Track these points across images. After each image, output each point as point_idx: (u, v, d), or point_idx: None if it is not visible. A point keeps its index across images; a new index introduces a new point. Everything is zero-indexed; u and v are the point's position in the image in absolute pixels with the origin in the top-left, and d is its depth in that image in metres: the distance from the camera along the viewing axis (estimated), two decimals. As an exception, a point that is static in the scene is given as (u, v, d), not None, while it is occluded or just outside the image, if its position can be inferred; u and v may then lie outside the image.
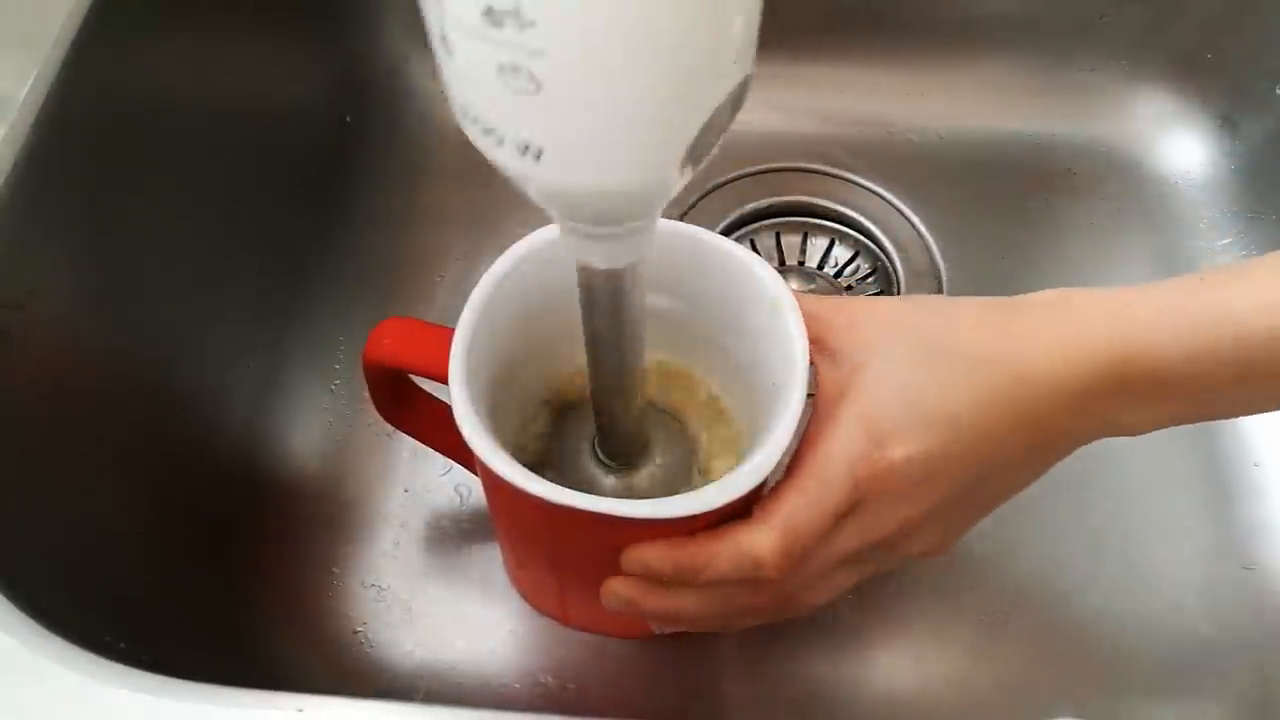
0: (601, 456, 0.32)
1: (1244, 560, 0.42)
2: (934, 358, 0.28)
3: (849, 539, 0.28)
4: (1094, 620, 0.40)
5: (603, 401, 0.29)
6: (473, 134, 0.18)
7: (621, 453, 0.31)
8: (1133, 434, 0.30)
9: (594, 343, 0.26)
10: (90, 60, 0.36)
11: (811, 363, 0.29)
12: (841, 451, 0.27)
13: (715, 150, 0.19)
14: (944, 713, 0.38)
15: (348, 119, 0.51)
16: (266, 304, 0.45)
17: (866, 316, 0.29)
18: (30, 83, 0.34)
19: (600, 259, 0.22)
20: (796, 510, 0.27)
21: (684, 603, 0.29)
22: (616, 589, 0.29)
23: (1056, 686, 0.39)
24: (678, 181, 0.18)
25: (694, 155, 0.18)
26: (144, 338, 0.38)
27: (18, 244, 0.33)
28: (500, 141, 0.17)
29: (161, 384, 0.39)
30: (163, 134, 0.39)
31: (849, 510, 0.28)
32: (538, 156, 0.17)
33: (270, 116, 0.47)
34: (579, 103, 0.16)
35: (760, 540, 0.27)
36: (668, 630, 0.32)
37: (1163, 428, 0.30)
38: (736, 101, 0.18)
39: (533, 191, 0.19)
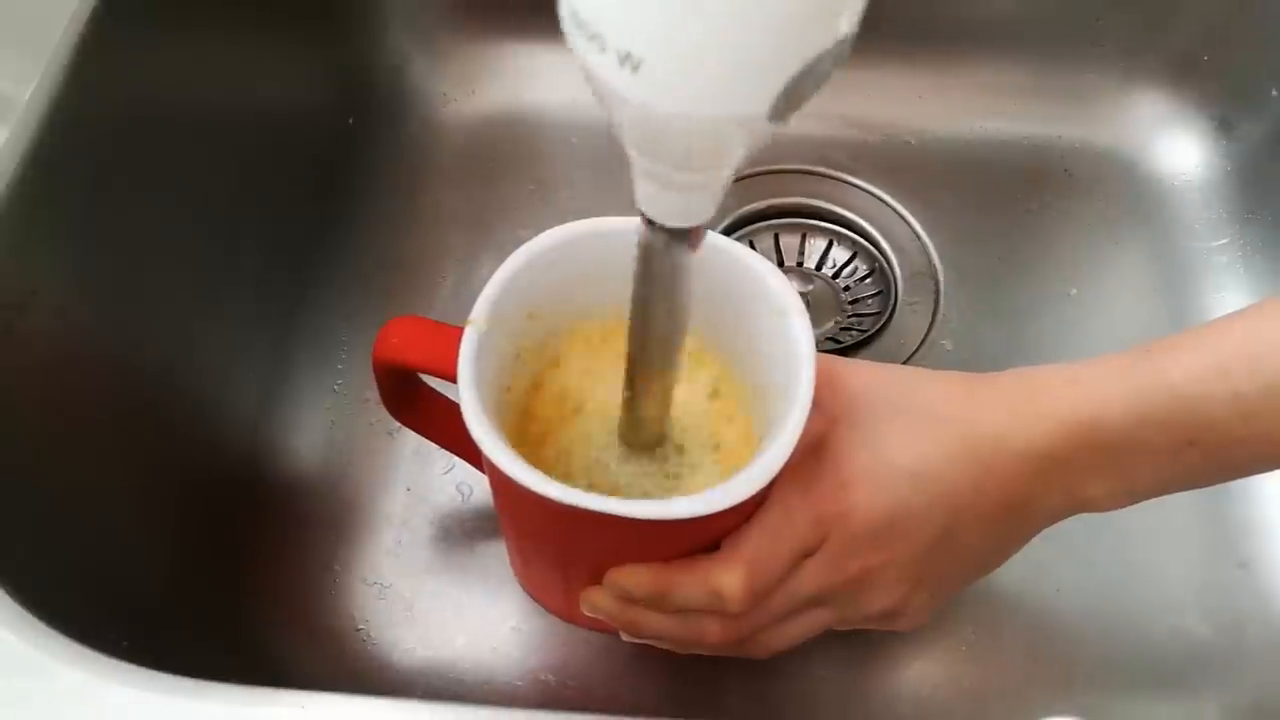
0: (621, 439, 0.31)
1: (1239, 559, 0.42)
2: (903, 416, 0.29)
3: (811, 578, 0.30)
4: (1090, 619, 0.40)
5: (638, 379, 0.28)
6: (576, 41, 0.18)
7: (643, 437, 0.31)
8: (1102, 509, 0.31)
9: (643, 315, 0.26)
10: (93, 62, 0.36)
11: None
12: (807, 491, 0.29)
13: (804, 106, 0.19)
14: (942, 712, 0.38)
15: (350, 121, 0.51)
16: (269, 304, 0.45)
17: (845, 376, 0.30)
18: (33, 85, 0.34)
19: (669, 213, 0.22)
20: (761, 547, 0.29)
21: (651, 622, 0.31)
22: (594, 599, 0.31)
23: (1053, 685, 0.39)
24: (764, 129, 0.19)
25: (786, 103, 0.18)
26: (147, 337, 0.38)
27: (21, 245, 0.33)
28: (603, 48, 0.17)
29: (164, 384, 0.39)
30: (165, 136, 0.40)
31: (812, 548, 0.29)
32: (636, 68, 0.17)
33: (273, 118, 0.47)
34: (688, 14, 0.16)
35: (724, 576, 0.28)
36: (634, 641, 0.33)
37: (1133, 501, 0.31)
38: (836, 57, 0.18)
39: (623, 113, 0.19)
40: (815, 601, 0.30)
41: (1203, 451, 0.29)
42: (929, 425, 0.29)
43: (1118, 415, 0.29)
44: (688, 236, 0.23)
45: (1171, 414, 0.28)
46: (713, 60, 0.17)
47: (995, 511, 0.30)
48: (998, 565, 0.32)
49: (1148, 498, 0.31)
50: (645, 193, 0.22)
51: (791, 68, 0.17)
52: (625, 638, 0.33)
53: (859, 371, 0.31)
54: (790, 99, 0.18)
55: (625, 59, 0.17)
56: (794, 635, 0.32)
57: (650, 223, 0.23)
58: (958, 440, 0.29)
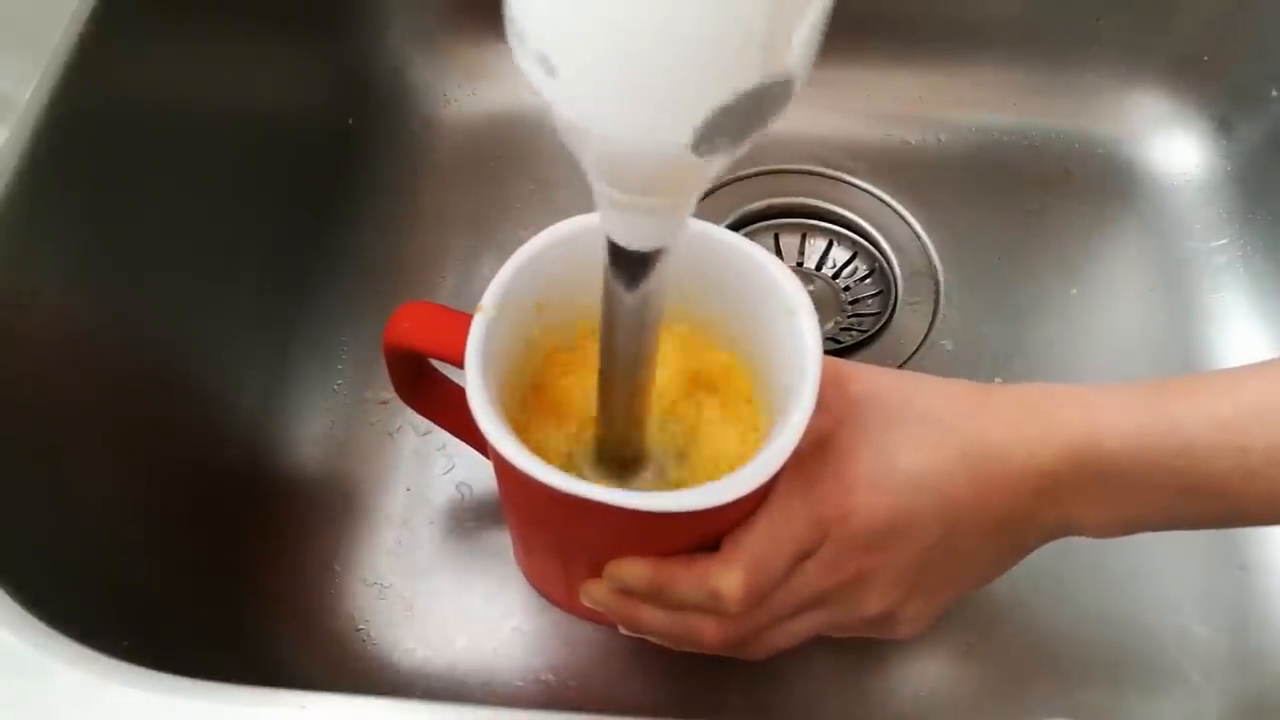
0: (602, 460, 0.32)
1: (1239, 560, 0.42)
2: (908, 422, 0.29)
3: (809, 579, 0.30)
4: (1090, 620, 0.40)
5: (609, 397, 0.29)
6: (511, 40, 0.18)
7: (617, 456, 0.31)
8: (1093, 535, 0.31)
9: (609, 342, 0.26)
10: (94, 62, 0.36)
11: None
12: (808, 491, 0.29)
13: (742, 151, 0.18)
14: (941, 712, 0.38)
15: (350, 121, 0.51)
16: (270, 304, 0.45)
17: (851, 379, 0.30)
18: (33, 85, 0.34)
19: (622, 234, 0.22)
20: (761, 548, 0.29)
21: (648, 617, 0.31)
22: (593, 590, 0.31)
23: (1053, 685, 0.39)
24: (696, 163, 0.18)
25: (712, 138, 0.17)
26: (147, 337, 0.38)
27: (22, 244, 0.33)
28: (524, 47, 0.17)
29: (165, 383, 0.39)
30: (166, 136, 0.40)
31: (811, 549, 0.29)
32: (552, 73, 0.17)
33: (273, 118, 0.47)
34: (598, 26, 0.16)
35: (724, 577, 0.28)
36: (632, 635, 0.33)
37: (1125, 533, 0.31)
38: (770, 99, 0.17)
39: (556, 118, 0.19)
40: (813, 603, 0.31)
41: (1201, 500, 0.29)
42: (934, 433, 0.29)
43: (1120, 448, 0.29)
44: (647, 262, 0.22)
45: (1175, 458, 0.28)
46: (625, 79, 0.16)
47: (993, 523, 0.30)
48: (993, 578, 0.33)
49: (1141, 531, 0.31)
50: (600, 207, 0.21)
51: (709, 102, 0.16)
52: (623, 631, 0.33)
53: (866, 375, 0.31)
54: (717, 135, 0.17)
55: (542, 60, 0.17)
56: (791, 636, 0.32)
57: (612, 245, 0.22)
58: (961, 450, 0.29)
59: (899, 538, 0.29)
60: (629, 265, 0.23)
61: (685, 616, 0.30)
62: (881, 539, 0.29)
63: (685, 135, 0.17)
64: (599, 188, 0.20)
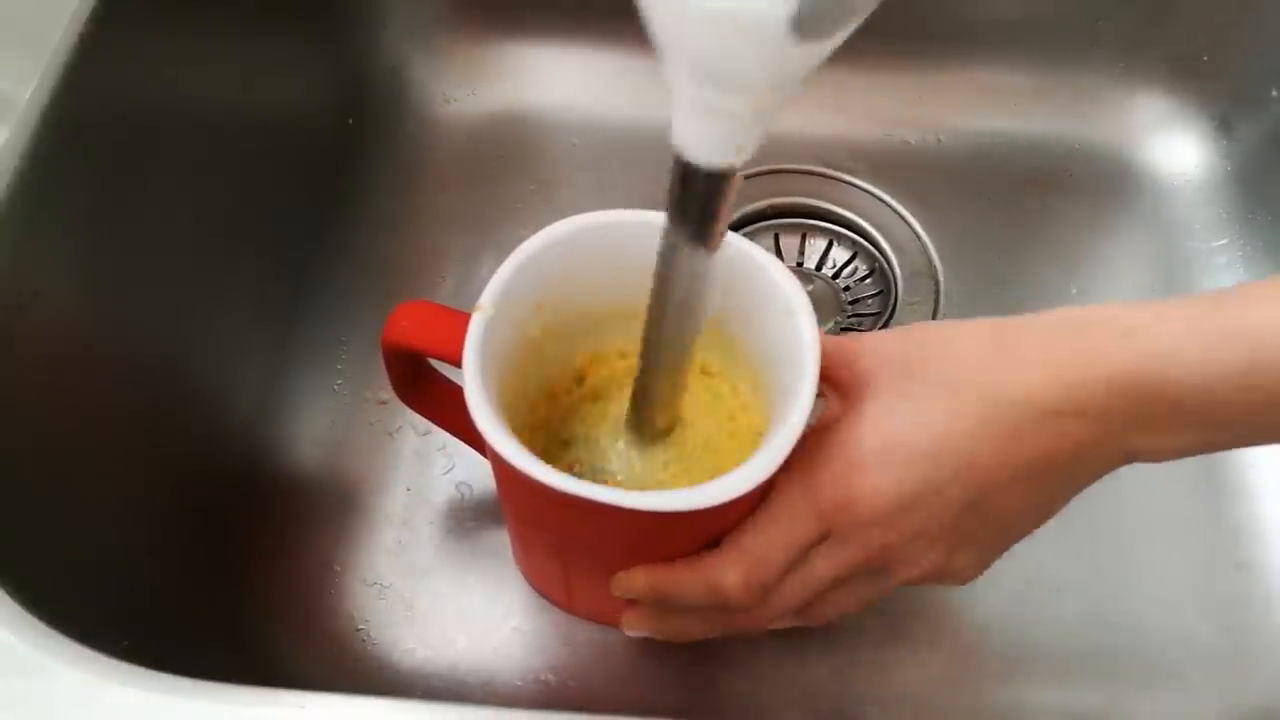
0: (630, 427, 0.32)
1: (1237, 560, 0.42)
2: (913, 389, 0.28)
3: (823, 567, 0.29)
4: (1089, 619, 0.40)
5: (652, 354, 0.28)
6: None
7: (653, 426, 0.31)
8: (1155, 460, 0.29)
9: (659, 310, 0.26)
10: (94, 62, 0.36)
11: (821, 395, 0.29)
12: (808, 485, 0.28)
13: (838, 39, 0.18)
14: (940, 712, 0.38)
15: (350, 121, 0.51)
16: (269, 304, 0.45)
17: (860, 356, 0.30)
18: (33, 85, 0.34)
19: (700, 145, 0.21)
20: (759, 542, 0.29)
21: (669, 622, 0.31)
22: (632, 619, 0.32)
23: (1052, 685, 0.39)
24: (790, 51, 0.18)
25: (812, 15, 0.17)
26: (147, 338, 0.38)
27: (22, 245, 0.33)
28: None
29: (164, 384, 0.39)
30: (165, 136, 0.40)
31: (816, 539, 0.29)
32: None
33: (273, 118, 0.47)
34: None
35: (724, 573, 0.29)
36: (635, 635, 0.34)
37: (1189, 455, 0.28)
38: None
39: (653, 8, 0.19)
40: (835, 584, 0.30)
41: (1274, 413, 0.26)
42: (946, 396, 0.28)
43: (1188, 373, 0.26)
44: (717, 188, 0.22)
45: (1253, 368, 0.26)
46: None
47: (1029, 472, 0.28)
48: (1051, 516, 0.31)
49: (1208, 452, 0.29)
50: (678, 121, 0.21)
51: None
52: (628, 633, 0.33)
53: (870, 346, 0.30)
54: (815, 14, 0.17)
55: None
56: (836, 606, 0.31)
57: (682, 168, 0.22)
58: (977, 408, 0.28)
59: (916, 510, 0.28)
60: (697, 194, 0.22)
61: (698, 614, 0.31)
62: (895, 516, 0.28)
63: (782, 7, 0.17)
64: (683, 91, 0.20)
